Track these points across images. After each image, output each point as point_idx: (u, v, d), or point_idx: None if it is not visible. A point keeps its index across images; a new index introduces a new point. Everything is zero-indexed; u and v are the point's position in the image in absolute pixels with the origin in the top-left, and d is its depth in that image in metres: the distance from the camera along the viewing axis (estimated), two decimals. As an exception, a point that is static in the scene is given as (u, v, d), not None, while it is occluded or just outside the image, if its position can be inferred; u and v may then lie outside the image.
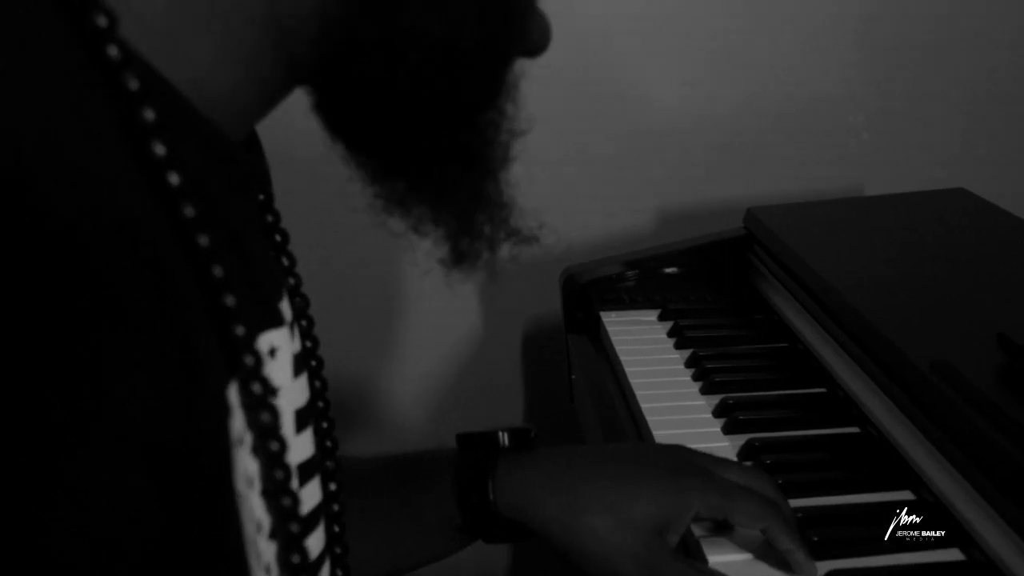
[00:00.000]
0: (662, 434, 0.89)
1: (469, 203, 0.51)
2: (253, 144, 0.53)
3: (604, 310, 1.15)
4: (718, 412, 0.92)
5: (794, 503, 0.75)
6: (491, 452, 0.69)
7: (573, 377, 1.14)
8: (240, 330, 0.40)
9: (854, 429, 0.89)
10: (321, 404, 0.54)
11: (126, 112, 0.37)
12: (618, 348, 1.06)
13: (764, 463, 0.82)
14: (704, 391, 0.97)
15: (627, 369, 1.01)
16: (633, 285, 1.18)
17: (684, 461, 0.71)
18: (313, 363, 0.53)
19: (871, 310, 0.92)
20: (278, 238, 0.54)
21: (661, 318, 1.13)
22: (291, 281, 0.54)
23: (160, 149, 0.37)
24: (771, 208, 1.20)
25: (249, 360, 0.40)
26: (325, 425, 0.54)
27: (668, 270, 1.19)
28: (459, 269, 0.52)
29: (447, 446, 0.73)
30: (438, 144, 0.48)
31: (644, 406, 0.94)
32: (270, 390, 0.41)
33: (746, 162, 1.44)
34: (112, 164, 0.36)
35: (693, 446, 0.75)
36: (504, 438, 0.70)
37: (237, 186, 0.46)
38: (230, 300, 0.39)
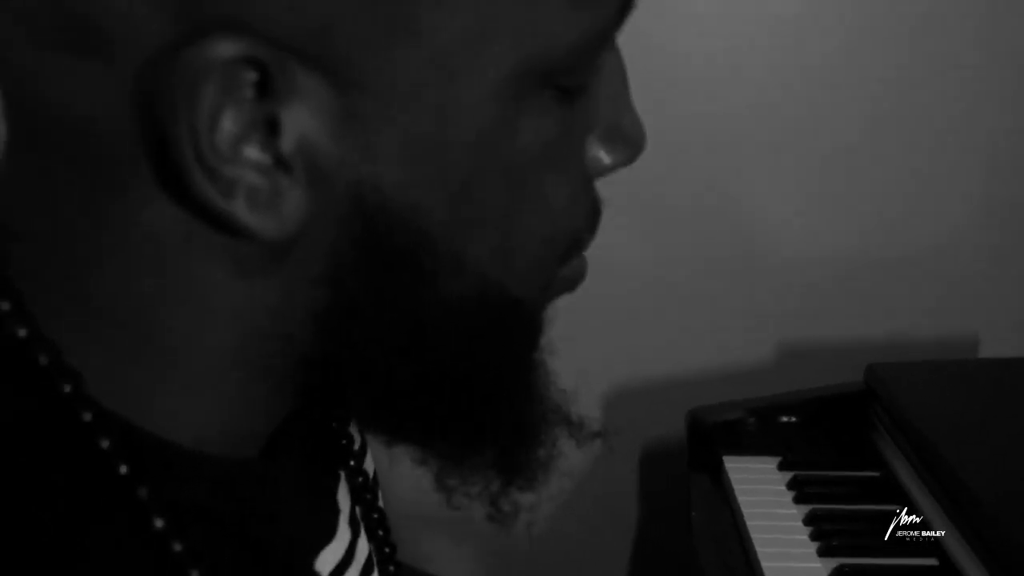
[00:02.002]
0: (781, 597, 0.97)
1: (519, 438, 0.48)
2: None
3: (727, 454, 1.22)
4: (834, 578, 0.99)
5: None
6: None
7: (693, 514, 1.21)
8: None
9: (963, 608, 0.95)
10: None
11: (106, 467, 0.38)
12: (740, 498, 1.13)
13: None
14: (821, 552, 1.03)
15: (748, 523, 1.09)
16: (754, 430, 1.25)
17: None
18: (387, 549, 0.54)
19: (984, 490, 0.99)
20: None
21: (780, 467, 1.20)
22: (359, 480, 0.53)
23: (158, 521, 0.38)
24: (891, 366, 1.26)
25: None
26: None
27: (787, 418, 1.26)
28: (515, 487, 0.49)
29: None
30: (476, 417, 0.45)
31: (765, 565, 1.01)
32: None
33: (861, 300, 1.50)
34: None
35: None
36: None
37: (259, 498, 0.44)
38: None
